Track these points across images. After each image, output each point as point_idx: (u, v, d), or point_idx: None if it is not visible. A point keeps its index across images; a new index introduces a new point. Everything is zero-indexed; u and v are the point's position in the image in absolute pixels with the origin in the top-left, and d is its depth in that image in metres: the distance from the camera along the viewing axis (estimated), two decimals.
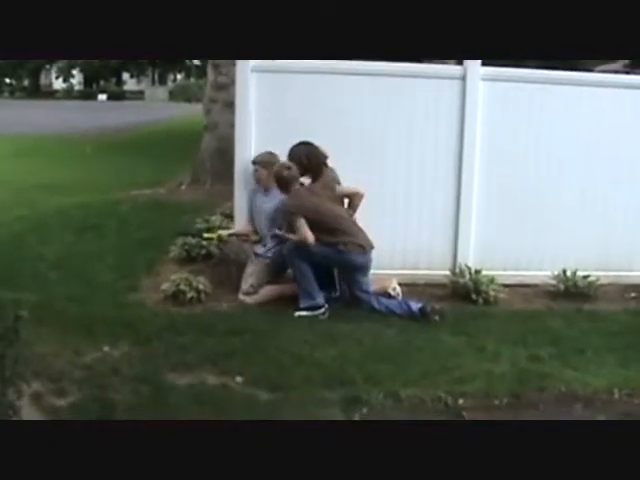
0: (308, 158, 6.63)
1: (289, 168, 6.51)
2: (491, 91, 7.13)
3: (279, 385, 4.90)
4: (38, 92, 55.44)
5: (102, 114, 25.26)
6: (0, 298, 5.54)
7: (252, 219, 7.17)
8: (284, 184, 6.52)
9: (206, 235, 7.53)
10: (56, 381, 4.80)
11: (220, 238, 7.34)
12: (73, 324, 5.80)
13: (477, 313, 6.51)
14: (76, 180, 13.31)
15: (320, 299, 6.42)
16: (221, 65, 11.67)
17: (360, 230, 6.52)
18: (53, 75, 59.31)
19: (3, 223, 9.50)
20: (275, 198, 6.80)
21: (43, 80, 61.26)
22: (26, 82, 60.16)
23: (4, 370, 3.81)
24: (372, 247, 6.49)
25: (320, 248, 6.33)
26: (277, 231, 6.70)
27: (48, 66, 56.89)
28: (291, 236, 6.44)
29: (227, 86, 11.22)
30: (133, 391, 4.73)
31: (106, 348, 5.41)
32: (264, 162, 6.88)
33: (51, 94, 55.30)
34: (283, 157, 6.71)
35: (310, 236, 6.28)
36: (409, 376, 5.12)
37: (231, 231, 7.36)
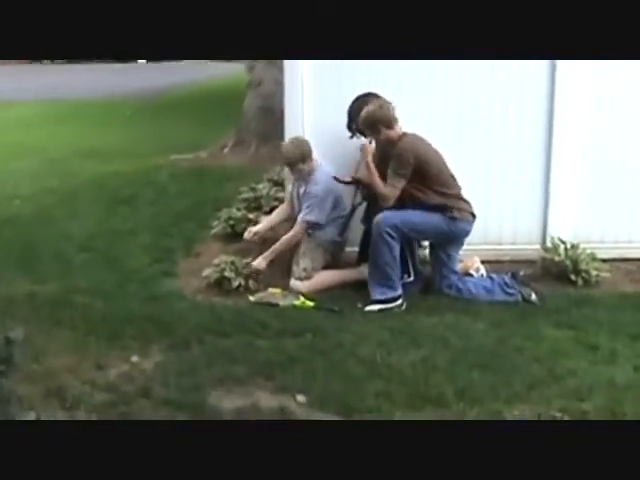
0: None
1: (382, 107, 5.27)
2: None
3: (351, 406, 3.88)
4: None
5: (141, 75, 24.12)
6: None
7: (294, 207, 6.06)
8: (382, 128, 5.25)
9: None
10: (71, 409, 3.80)
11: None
12: (97, 325, 4.84)
13: (579, 298, 5.41)
14: (115, 146, 12.31)
15: (399, 289, 5.28)
16: None
17: None
18: None
19: (29, 197, 8.54)
20: (323, 176, 5.74)
21: None
22: None
23: None
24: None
25: (427, 217, 5.24)
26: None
27: None
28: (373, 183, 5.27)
29: None
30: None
31: (135, 358, 4.42)
32: (295, 160, 5.73)
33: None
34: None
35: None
36: (512, 388, 4.08)
37: (259, 228, 6.05)
